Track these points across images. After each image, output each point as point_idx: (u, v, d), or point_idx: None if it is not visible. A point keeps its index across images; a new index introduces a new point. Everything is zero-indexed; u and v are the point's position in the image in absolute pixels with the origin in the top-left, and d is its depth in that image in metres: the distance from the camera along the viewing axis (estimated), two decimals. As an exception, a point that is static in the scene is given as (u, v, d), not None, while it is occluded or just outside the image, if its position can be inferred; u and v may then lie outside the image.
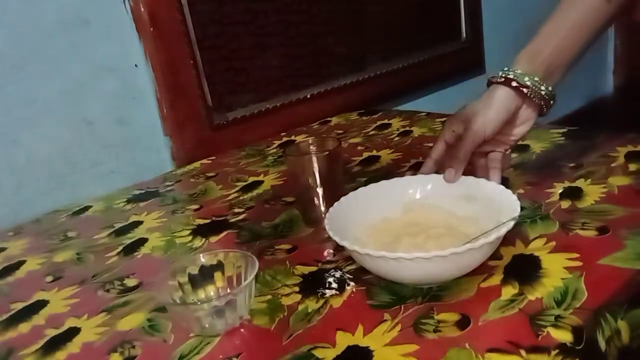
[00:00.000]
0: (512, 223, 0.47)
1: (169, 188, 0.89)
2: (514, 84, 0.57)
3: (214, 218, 0.72)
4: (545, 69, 0.57)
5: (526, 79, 0.57)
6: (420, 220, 0.56)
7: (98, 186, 0.93)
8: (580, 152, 0.73)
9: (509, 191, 0.53)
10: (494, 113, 0.57)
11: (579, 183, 0.64)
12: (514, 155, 0.76)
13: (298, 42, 1.16)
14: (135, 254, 0.66)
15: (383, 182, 0.60)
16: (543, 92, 0.57)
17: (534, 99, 0.57)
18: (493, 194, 0.54)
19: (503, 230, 0.46)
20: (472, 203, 0.56)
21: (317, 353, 0.42)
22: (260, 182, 0.83)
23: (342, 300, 0.48)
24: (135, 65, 0.96)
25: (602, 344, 0.38)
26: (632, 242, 0.49)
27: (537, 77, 0.57)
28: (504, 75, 0.58)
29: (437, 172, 0.62)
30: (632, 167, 0.66)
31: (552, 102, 0.59)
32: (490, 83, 0.60)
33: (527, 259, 0.50)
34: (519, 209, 0.49)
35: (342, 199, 0.57)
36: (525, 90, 0.57)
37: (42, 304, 0.57)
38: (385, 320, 0.44)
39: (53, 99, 0.88)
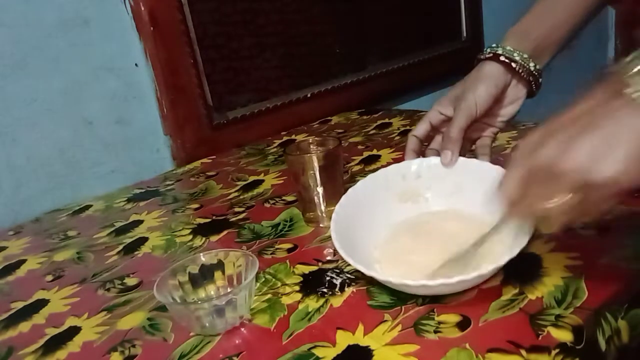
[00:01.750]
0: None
1: (169, 187, 0.89)
2: (502, 58, 0.56)
3: (214, 217, 0.72)
4: (533, 48, 0.56)
5: (515, 54, 0.56)
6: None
7: (98, 185, 0.93)
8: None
9: None
10: (484, 88, 0.56)
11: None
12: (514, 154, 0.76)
13: (298, 42, 1.16)
14: (136, 253, 0.66)
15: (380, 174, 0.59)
16: (532, 69, 0.56)
17: (522, 75, 0.56)
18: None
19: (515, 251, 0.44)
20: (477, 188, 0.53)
21: (318, 352, 0.42)
22: (260, 182, 0.83)
23: (342, 300, 0.48)
24: (136, 65, 0.96)
25: (602, 344, 0.38)
26: (632, 241, 0.49)
27: (525, 54, 0.56)
28: (492, 51, 0.57)
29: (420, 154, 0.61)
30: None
31: (540, 80, 0.58)
32: (478, 61, 0.58)
33: (528, 259, 0.49)
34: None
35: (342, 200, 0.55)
36: (513, 64, 0.55)
37: (42, 303, 0.57)
38: (386, 320, 0.44)
39: (53, 98, 0.88)
